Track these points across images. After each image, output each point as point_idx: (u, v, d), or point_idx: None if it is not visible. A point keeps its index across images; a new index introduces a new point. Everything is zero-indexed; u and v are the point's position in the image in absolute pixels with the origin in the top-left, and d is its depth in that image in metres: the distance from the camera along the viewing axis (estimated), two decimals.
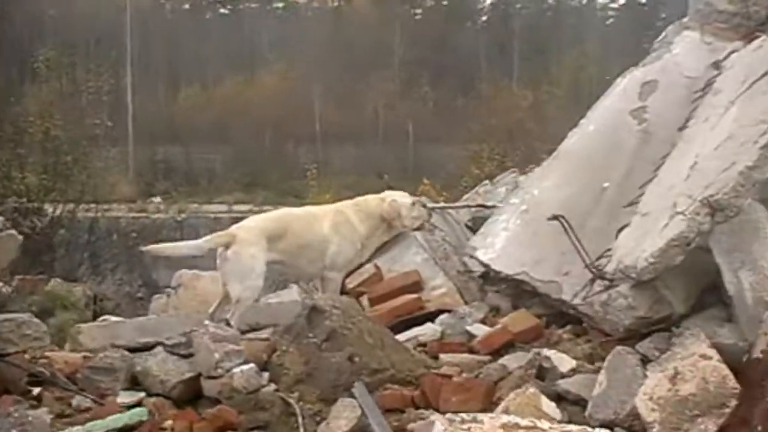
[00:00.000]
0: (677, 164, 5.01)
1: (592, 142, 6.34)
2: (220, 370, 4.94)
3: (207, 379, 4.99)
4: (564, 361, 4.67)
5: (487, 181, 10.05)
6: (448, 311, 6.32)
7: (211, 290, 8.92)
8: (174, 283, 9.22)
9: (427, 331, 5.96)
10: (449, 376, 5.14)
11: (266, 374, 5.08)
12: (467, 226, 7.57)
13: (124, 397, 4.90)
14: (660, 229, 4.50)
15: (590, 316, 5.21)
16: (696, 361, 4.12)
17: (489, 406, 4.83)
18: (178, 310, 8.77)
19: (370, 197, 6.41)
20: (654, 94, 6.17)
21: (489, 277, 6.45)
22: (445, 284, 6.74)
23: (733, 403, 3.84)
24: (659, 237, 4.44)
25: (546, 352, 4.74)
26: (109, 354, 5.23)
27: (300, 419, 4.80)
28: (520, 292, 6.16)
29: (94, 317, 10.38)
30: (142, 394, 4.94)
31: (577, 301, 5.51)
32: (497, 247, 6.15)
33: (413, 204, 6.29)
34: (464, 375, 5.20)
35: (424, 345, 5.86)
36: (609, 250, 4.89)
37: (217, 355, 4.96)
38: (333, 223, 6.08)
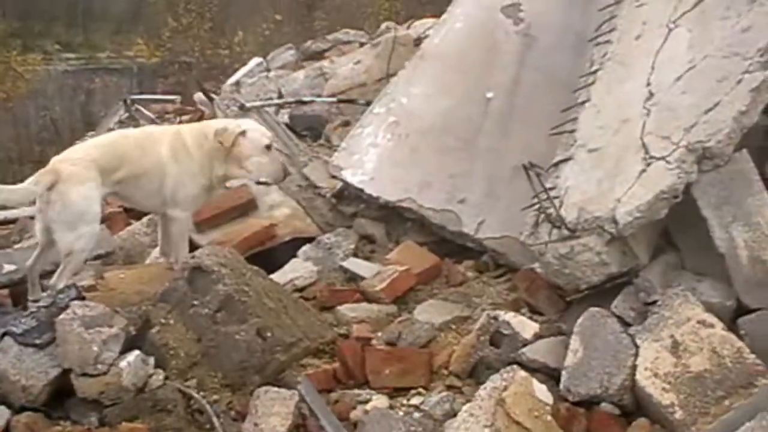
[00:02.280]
0: (618, 91, 4.55)
1: (462, 43, 5.72)
2: (101, 366, 3.83)
3: (81, 377, 3.88)
4: (526, 327, 4.18)
5: (259, 59, 9.02)
6: (308, 240, 5.53)
7: None
8: None
9: (301, 272, 5.17)
10: (368, 340, 4.47)
11: (151, 359, 4.02)
12: (288, 127, 6.62)
13: None
14: (636, 176, 4.07)
15: (514, 260, 4.75)
16: (695, 329, 3.82)
17: (431, 377, 4.25)
18: None
19: (204, 124, 5.11)
20: None
21: (345, 197, 5.69)
22: (286, 202, 5.90)
23: (762, 381, 3.59)
24: (640, 186, 4.01)
25: (504, 315, 4.19)
26: None
27: (215, 419, 3.89)
28: (390, 215, 5.50)
29: None
30: (7, 412, 3.73)
31: (478, 234, 5.01)
32: (369, 167, 5.41)
33: (268, 147, 4.80)
34: (380, 335, 4.54)
35: (301, 290, 5.06)
36: (550, 188, 4.36)
37: (95, 348, 3.86)
38: (171, 147, 4.84)
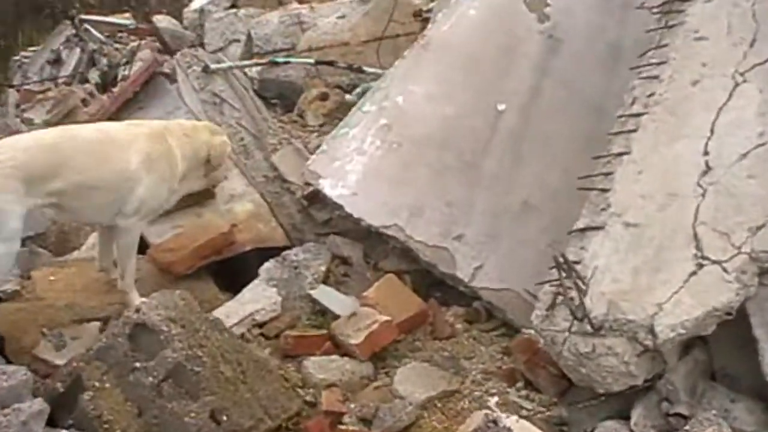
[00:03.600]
0: (667, 150, 3.83)
1: (475, 36, 4.91)
2: None
3: None
4: None
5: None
6: (272, 252, 4.77)
7: None
8: None
9: (262, 302, 4.46)
10: (339, 415, 3.81)
11: None
12: (257, 93, 5.74)
13: None
14: (684, 279, 3.42)
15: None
16: None
17: None
18: None
19: (200, 125, 4.43)
20: None
21: (318, 200, 4.92)
22: (248, 195, 5.15)
23: None
24: (689, 295, 3.38)
25: (505, 420, 3.54)
26: None
27: None
28: (370, 234, 4.75)
29: None
30: None
31: (473, 282, 4.33)
32: (351, 179, 4.64)
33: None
34: (353, 407, 3.90)
35: (261, 325, 4.36)
36: (575, 262, 3.64)
37: None
38: (147, 153, 4.05)
